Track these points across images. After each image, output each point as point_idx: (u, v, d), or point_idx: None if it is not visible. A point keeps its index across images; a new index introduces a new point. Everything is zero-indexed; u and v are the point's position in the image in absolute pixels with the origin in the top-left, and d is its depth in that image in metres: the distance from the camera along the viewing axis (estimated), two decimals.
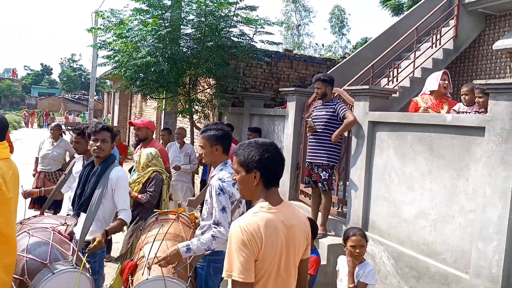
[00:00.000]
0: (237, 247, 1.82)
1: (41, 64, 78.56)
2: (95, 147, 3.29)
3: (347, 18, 35.32)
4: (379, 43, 8.37)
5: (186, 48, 7.83)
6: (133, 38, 7.29)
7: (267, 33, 8.14)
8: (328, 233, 5.17)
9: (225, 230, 2.77)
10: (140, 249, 3.22)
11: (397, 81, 7.29)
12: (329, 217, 5.25)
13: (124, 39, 7.33)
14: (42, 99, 56.38)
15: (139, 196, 4.32)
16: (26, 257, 2.87)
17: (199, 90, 8.67)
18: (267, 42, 8.17)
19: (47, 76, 76.57)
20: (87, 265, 2.98)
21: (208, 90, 8.62)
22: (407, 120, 4.43)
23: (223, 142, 3.05)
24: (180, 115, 8.45)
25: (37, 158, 6.71)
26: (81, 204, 3.27)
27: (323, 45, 34.98)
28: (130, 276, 3.05)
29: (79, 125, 5.21)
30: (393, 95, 5.64)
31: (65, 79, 66.27)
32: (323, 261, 4.70)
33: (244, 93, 8.35)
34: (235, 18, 7.69)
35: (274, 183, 2.01)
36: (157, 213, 3.65)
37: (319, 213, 5.19)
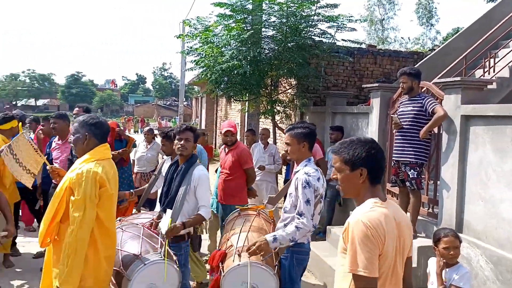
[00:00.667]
0: (361, 242, 1.78)
1: (136, 74, 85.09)
2: (179, 146, 3.49)
3: (435, 8, 33.05)
4: (472, 32, 7.78)
5: (267, 50, 7.96)
6: (218, 43, 7.60)
7: (350, 29, 7.99)
8: (418, 234, 4.92)
9: (308, 222, 2.93)
10: (228, 239, 3.39)
11: (494, 71, 6.70)
12: (419, 217, 4.98)
13: (210, 44, 7.67)
14: (138, 106, 60.74)
15: None
16: (121, 250, 3.12)
17: (280, 91, 8.76)
18: (349, 41, 8.02)
19: (142, 85, 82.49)
20: (174, 258, 3.17)
21: (289, 91, 8.67)
22: (506, 112, 4.06)
23: (310, 140, 3.19)
24: (263, 116, 8.60)
25: (133, 160, 7.25)
26: (168, 201, 3.47)
27: (409, 39, 33.28)
28: (220, 263, 3.19)
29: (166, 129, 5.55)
30: (488, 86, 5.21)
31: (157, 87, 70.85)
32: (413, 264, 4.48)
33: (326, 92, 8.26)
34: (316, 17, 7.65)
35: (379, 180, 1.99)
36: (239, 209, 3.84)
37: (408, 214, 4.96)
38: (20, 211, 5.97)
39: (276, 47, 7.85)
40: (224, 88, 7.98)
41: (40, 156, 3.81)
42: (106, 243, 2.77)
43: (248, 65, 7.27)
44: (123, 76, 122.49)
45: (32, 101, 61.04)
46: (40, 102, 61.11)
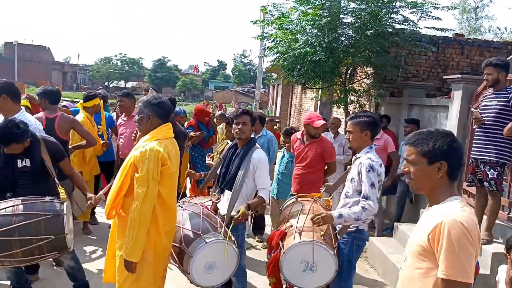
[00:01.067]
0: (460, 245, 1.61)
1: (218, 60, 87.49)
2: (237, 130, 3.53)
3: None
4: None
5: (344, 37, 7.72)
6: (293, 29, 7.52)
7: (434, 18, 7.48)
8: (494, 239, 4.54)
9: (374, 204, 2.98)
10: (287, 221, 3.42)
11: None
12: (497, 221, 4.59)
13: (283, 30, 7.62)
14: (217, 92, 62.39)
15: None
16: (183, 227, 3.24)
17: (355, 80, 8.48)
18: (433, 29, 7.51)
19: (222, 71, 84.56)
20: (233, 238, 3.23)
21: (365, 80, 8.36)
22: None
23: (372, 128, 3.22)
24: (335, 105, 8.40)
25: None
26: (226, 182, 3.54)
27: (505, 29, 30.37)
28: (280, 241, 3.24)
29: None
30: None
31: (236, 73, 72.11)
32: (485, 270, 4.16)
33: (404, 83, 7.84)
34: (398, 4, 7.26)
35: (457, 177, 1.85)
36: (295, 196, 3.85)
37: (484, 216, 4.59)
38: (101, 183, 6.45)
39: (354, 34, 7.58)
40: (296, 75, 7.90)
41: None
42: (167, 219, 2.90)
43: (322, 52, 7.12)
44: (205, 62, 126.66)
45: (122, 83, 65.36)
46: (129, 84, 65.22)
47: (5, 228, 3.00)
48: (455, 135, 5.74)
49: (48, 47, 67.29)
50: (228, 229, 3.19)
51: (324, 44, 7.08)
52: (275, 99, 27.60)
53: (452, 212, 1.69)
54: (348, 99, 7.90)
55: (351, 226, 3.16)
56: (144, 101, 2.95)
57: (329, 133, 6.87)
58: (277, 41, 7.91)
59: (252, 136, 3.64)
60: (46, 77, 52.27)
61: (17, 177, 3.45)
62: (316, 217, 2.98)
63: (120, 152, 5.61)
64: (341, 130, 7.06)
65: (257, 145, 3.61)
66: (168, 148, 2.83)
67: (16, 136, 3.27)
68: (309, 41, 7.17)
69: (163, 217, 2.86)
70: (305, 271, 3.06)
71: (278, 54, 7.99)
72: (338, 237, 3.27)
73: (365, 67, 8.11)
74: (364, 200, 3.01)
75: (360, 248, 3.27)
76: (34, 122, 3.86)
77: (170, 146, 2.88)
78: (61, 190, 3.38)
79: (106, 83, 61.34)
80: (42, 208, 3.16)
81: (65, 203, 3.24)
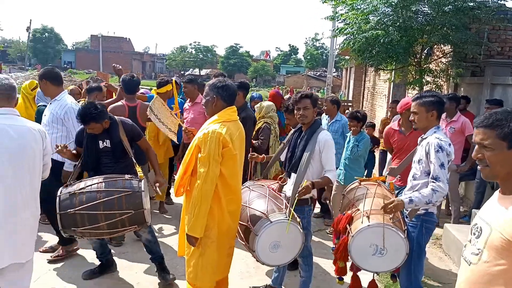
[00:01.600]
0: None
1: (289, 45, 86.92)
2: (299, 115, 3.51)
3: None
4: None
5: (419, 14, 7.31)
6: (364, 9, 7.27)
7: None
8: None
9: (444, 185, 2.88)
10: (352, 205, 3.38)
11: None
12: None
13: (354, 11, 7.39)
14: (289, 76, 62.12)
15: (254, 142, 5.17)
16: (249, 207, 3.34)
17: (431, 60, 8.02)
18: None
19: (293, 56, 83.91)
20: (298, 219, 3.27)
21: (442, 59, 7.87)
22: None
23: (438, 108, 3.12)
24: (410, 87, 8.03)
25: None
26: (292, 165, 3.54)
27: None
28: (348, 225, 3.22)
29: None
30: None
31: (308, 57, 71.14)
32: None
33: (487, 61, 7.27)
34: None
35: None
36: (358, 179, 3.77)
37: None
38: (176, 166, 6.78)
39: (430, 11, 7.15)
40: (367, 57, 7.65)
41: (175, 117, 4.29)
42: (230, 199, 3.00)
43: (395, 31, 6.82)
44: (276, 47, 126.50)
45: (196, 71, 67.55)
46: (203, 72, 67.21)
47: (92, 203, 3.33)
48: None
49: (129, 38, 71.40)
50: (293, 210, 3.22)
51: (398, 24, 6.77)
52: (348, 82, 26.93)
53: None
54: (424, 80, 7.51)
55: (420, 209, 3.06)
56: (210, 85, 3.06)
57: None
58: (347, 21, 7.69)
59: (316, 118, 3.60)
60: (128, 67, 55.42)
61: (99, 156, 3.79)
62: (388, 206, 2.91)
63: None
64: None
65: (322, 126, 3.57)
66: (230, 131, 2.92)
67: (94, 116, 3.59)
68: (381, 21, 6.90)
69: (225, 197, 2.97)
70: (374, 254, 3.02)
71: (348, 35, 7.78)
72: (407, 220, 3.20)
73: (442, 45, 7.63)
74: (433, 182, 2.91)
75: (430, 231, 3.17)
76: (70, 102, 4.22)
77: (233, 128, 2.96)
78: (138, 169, 3.66)
79: (181, 71, 63.74)
80: (123, 186, 3.46)
81: (143, 181, 3.52)
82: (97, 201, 3.33)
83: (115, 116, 3.92)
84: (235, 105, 3.12)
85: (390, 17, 6.88)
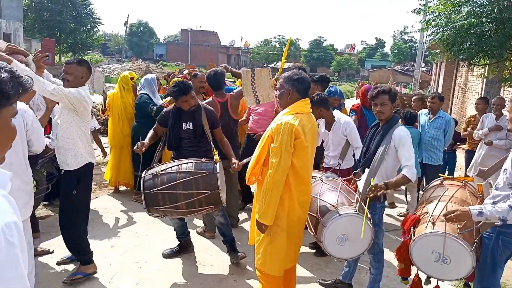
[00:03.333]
0: None
1: (376, 38, 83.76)
2: (376, 112, 3.44)
3: None
4: None
5: None
6: (455, 0, 6.83)
7: None
8: None
9: None
10: (424, 206, 3.25)
11: None
12: None
13: (445, 1, 6.97)
14: (374, 71, 60.17)
15: None
16: (319, 199, 3.38)
17: None
18: None
19: (380, 50, 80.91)
20: (369, 215, 3.23)
21: None
22: None
23: None
24: (506, 83, 7.41)
25: None
26: (366, 160, 3.49)
27: None
28: (412, 227, 3.12)
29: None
30: None
31: (396, 51, 68.17)
32: None
33: None
34: None
35: None
36: (442, 177, 3.56)
37: None
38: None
39: None
40: (457, 50, 7.18)
41: (273, 93, 4.36)
42: (301, 189, 3.05)
43: (490, 23, 6.33)
44: (362, 41, 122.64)
45: (279, 64, 68.01)
46: (286, 65, 67.45)
47: (172, 183, 3.60)
48: None
49: (215, 32, 73.81)
50: (365, 206, 3.18)
51: (493, 15, 6.27)
52: (438, 78, 25.40)
53: None
54: None
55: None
56: (285, 77, 3.11)
57: (490, 114, 6.17)
58: (436, 13, 7.28)
59: (394, 113, 3.51)
60: (214, 60, 57.47)
61: (181, 138, 4.09)
62: (449, 215, 2.73)
63: (249, 127, 5.69)
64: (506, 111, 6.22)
65: (399, 122, 3.48)
66: (303, 123, 2.95)
67: (190, 87, 3.95)
68: (474, 12, 6.43)
69: (296, 187, 3.01)
70: (437, 261, 2.87)
71: (436, 28, 7.37)
72: (481, 231, 2.95)
73: None
74: None
75: (509, 245, 2.83)
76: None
77: (305, 121, 2.99)
78: (215, 153, 3.88)
79: (265, 64, 64.56)
80: (200, 167, 3.69)
81: (218, 163, 3.73)
82: (177, 181, 3.60)
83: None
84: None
85: (485, 8, 6.38)
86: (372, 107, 3.53)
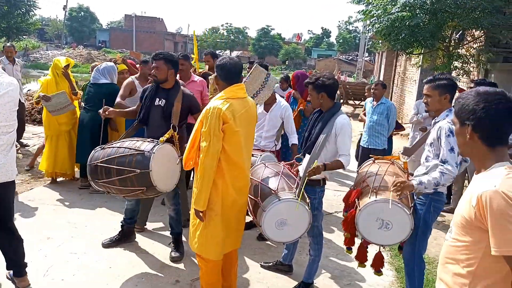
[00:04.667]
0: (506, 217, 1.47)
1: (322, 28, 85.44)
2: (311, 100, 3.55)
3: None
4: None
5: None
6: None
7: None
8: None
9: (453, 168, 2.97)
10: (363, 181, 3.42)
11: None
12: None
13: None
14: (320, 60, 61.29)
15: None
16: (260, 183, 3.42)
17: (461, 45, 7.77)
18: None
19: (326, 39, 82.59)
20: (307, 200, 3.33)
21: (472, 44, 7.62)
22: None
23: (451, 91, 3.17)
24: (437, 71, 7.84)
25: None
26: (307, 146, 3.55)
27: None
28: (356, 199, 3.29)
29: None
30: None
31: (341, 41, 69.93)
32: None
33: None
34: None
35: (494, 141, 1.66)
36: (373, 158, 3.77)
37: None
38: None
39: None
40: (393, 40, 7.49)
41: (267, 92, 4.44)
42: (235, 175, 3.06)
43: (423, 14, 6.64)
44: (308, 30, 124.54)
45: (227, 52, 67.58)
46: (234, 54, 67.20)
47: (109, 157, 3.59)
48: None
49: (161, 19, 71.93)
50: (303, 190, 3.26)
51: (426, 6, 6.58)
52: (379, 67, 26.40)
53: (497, 183, 1.53)
54: (452, 66, 7.31)
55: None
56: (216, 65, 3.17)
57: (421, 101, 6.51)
58: (373, 4, 7.54)
59: (336, 101, 3.56)
60: (160, 47, 56.10)
61: (150, 113, 3.97)
62: (397, 184, 2.96)
63: None
64: None
65: (342, 110, 3.55)
66: (233, 107, 2.95)
67: (166, 57, 3.87)
68: (408, 3, 6.72)
69: (230, 172, 3.03)
70: (380, 228, 3.10)
71: (374, 18, 7.64)
72: (415, 197, 3.26)
73: (473, 30, 7.38)
74: (442, 165, 2.99)
75: (438, 210, 3.23)
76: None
77: (237, 105, 3.00)
78: (168, 134, 3.77)
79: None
80: (140, 146, 3.65)
81: (160, 145, 3.64)
82: (114, 156, 3.58)
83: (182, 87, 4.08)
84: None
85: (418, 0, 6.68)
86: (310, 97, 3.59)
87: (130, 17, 64.39)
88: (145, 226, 4.69)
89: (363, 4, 7.90)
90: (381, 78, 21.87)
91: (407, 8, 6.67)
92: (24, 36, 38.92)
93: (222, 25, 70.98)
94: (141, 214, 4.55)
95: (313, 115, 3.71)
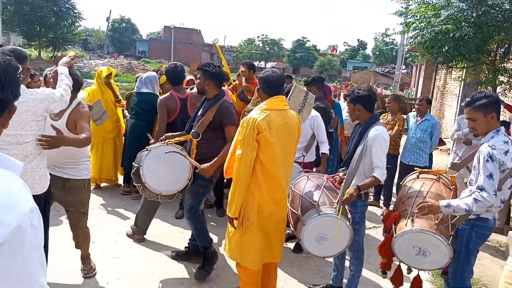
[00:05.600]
0: None
1: (358, 39, 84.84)
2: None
3: None
4: None
5: (496, 9, 6.89)
6: (435, 4, 6.99)
7: None
8: None
9: (489, 197, 2.75)
10: (403, 202, 3.35)
11: None
12: None
13: (425, 5, 7.13)
14: (355, 72, 60.80)
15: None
16: (302, 196, 3.41)
17: (508, 59, 7.54)
18: None
19: (361, 51, 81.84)
20: (348, 215, 3.29)
21: None
22: None
23: (496, 108, 2.94)
24: (481, 86, 7.63)
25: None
26: (346, 160, 3.53)
27: None
28: (393, 224, 3.23)
29: None
30: None
31: (377, 53, 69.12)
32: None
33: None
34: None
35: None
36: (417, 171, 3.64)
37: None
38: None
39: (508, 6, 6.71)
40: (436, 53, 7.36)
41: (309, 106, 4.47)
42: (270, 185, 3.08)
43: (468, 27, 6.50)
44: (344, 42, 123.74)
45: (262, 64, 68.06)
46: (269, 65, 67.59)
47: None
48: None
49: (199, 30, 73.44)
50: (343, 206, 3.21)
51: (472, 19, 6.44)
52: (417, 80, 25.87)
53: None
54: (497, 80, 7.09)
55: (471, 214, 2.96)
56: (259, 77, 3.23)
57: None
58: (416, 16, 7.44)
59: (374, 113, 3.52)
60: (197, 58, 57.19)
61: (195, 123, 3.86)
62: (423, 205, 2.89)
63: None
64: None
65: (378, 122, 3.48)
66: (270, 118, 2.98)
67: (202, 68, 3.82)
68: (453, 16, 6.59)
69: (266, 183, 3.05)
70: (417, 255, 3.03)
71: (417, 31, 7.53)
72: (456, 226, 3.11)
73: None
74: (478, 191, 2.79)
75: (482, 237, 3.06)
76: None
77: (275, 116, 3.02)
78: (179, 138, 3.86)
79: None
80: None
81: (159, 146, 3.75)
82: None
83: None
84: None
85: (463, 12, 6.54)
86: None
87: (169, 29, 66.13)
88: (144, 236, 4.58)
89: (404, 16, 7.81)
90: (419, 92, 21.43)
91: (452, 20, 6.54)
92: (69, 46, 40.76)
93: (257, 37, 71.90)
94: (141, 223, 4.50)
95: (355, 128, 3.68)
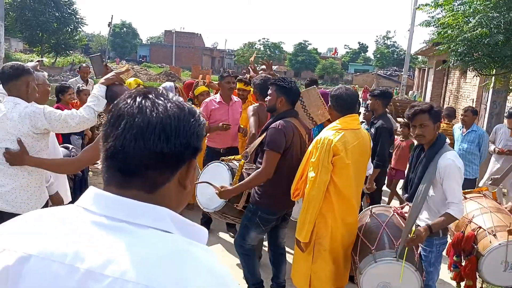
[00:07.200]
0: None
1: (358, 42, 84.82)
2: (415, 135, 2.97)
3: None
4: None
5: None
6: (464, 11, 6.83)
7: None
8: None
9: None
10: (470, 221, 3.23)
11: None
12: None
13: (453, 12, 6.97)
14: (357, 75, 60.74)
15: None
16: (360, 236, 3.02)
17: None
18: None
19: (362, 54, 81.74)
20: (416, 255, 2.87)
21: None
22: None
23: None
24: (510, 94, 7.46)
25: None
26: (411, 194, 3.01)
27: None
28: (474, 244, 3.11)
29: None
30: None
31: (378, 56, 68.99)
32: None
33: None
34: None
35: None
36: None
37: None
38: None
39: None
40: (469, 60, 7.17)
41: (325, 112, 4.21)
42: (345, 210, 2.90)
43: (500, 33, 6.31)
44: (345, 45, 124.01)
45: (263, 67, 67.92)
46: (273, 68, 67.45)
47: None
48: None
49: (200, 34, 73.37)
50: (407, 248, 2.80)
51: (502, 25, 6.25)
52: (423, 83, 25.76)
53: None
54: None
55: None
56: (330, 93, 3.05)
57: (503, 126, 6.13)
58: (445, 25, 7.27)
59: (439, 134, 2.97)
60: (198, 62, 57.15)
61: None
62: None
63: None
64: None
65: (446, 146, 2.94)
66: (345, 139, 2.80)
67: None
68: (483, 22, 6.40)
69: (340, 207, 2.87)
70: (505, 271, 2.97)
71: (448, 39, 7.32)
72: None
73: None
74: None
75: None
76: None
77: (350, 137, 2.85)
78: (234, 157, 3.64)
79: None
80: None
81: (216, 163, 3.59)
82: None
83: None
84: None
85: (494, 20, 6.32)
86: (411, 129, 3.07)
87: (170, 33, 66.06)
88: None
89: (433, 26, 7.64)
90: (429, 96, 21.27)
91: (482, 26, 6.35)
92: (70, 52, 40.58)
93: (258, 40, 71.67)
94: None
95: (414, 151, 3.19)
